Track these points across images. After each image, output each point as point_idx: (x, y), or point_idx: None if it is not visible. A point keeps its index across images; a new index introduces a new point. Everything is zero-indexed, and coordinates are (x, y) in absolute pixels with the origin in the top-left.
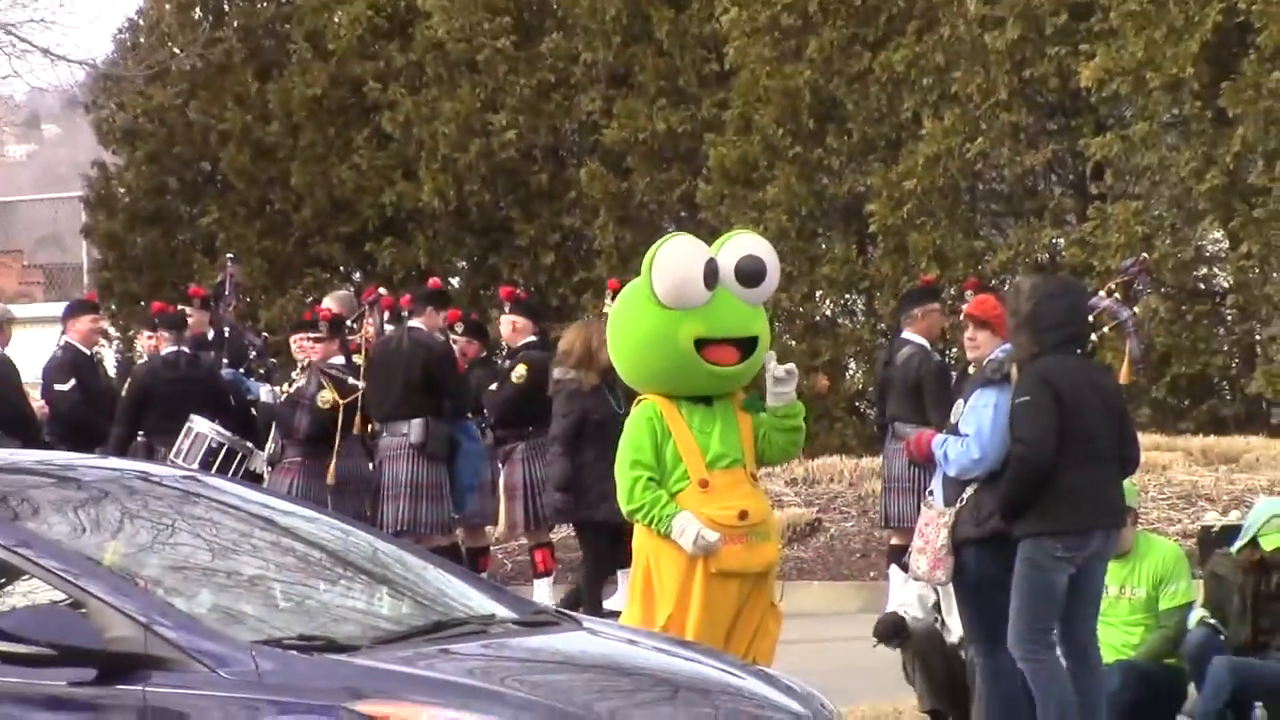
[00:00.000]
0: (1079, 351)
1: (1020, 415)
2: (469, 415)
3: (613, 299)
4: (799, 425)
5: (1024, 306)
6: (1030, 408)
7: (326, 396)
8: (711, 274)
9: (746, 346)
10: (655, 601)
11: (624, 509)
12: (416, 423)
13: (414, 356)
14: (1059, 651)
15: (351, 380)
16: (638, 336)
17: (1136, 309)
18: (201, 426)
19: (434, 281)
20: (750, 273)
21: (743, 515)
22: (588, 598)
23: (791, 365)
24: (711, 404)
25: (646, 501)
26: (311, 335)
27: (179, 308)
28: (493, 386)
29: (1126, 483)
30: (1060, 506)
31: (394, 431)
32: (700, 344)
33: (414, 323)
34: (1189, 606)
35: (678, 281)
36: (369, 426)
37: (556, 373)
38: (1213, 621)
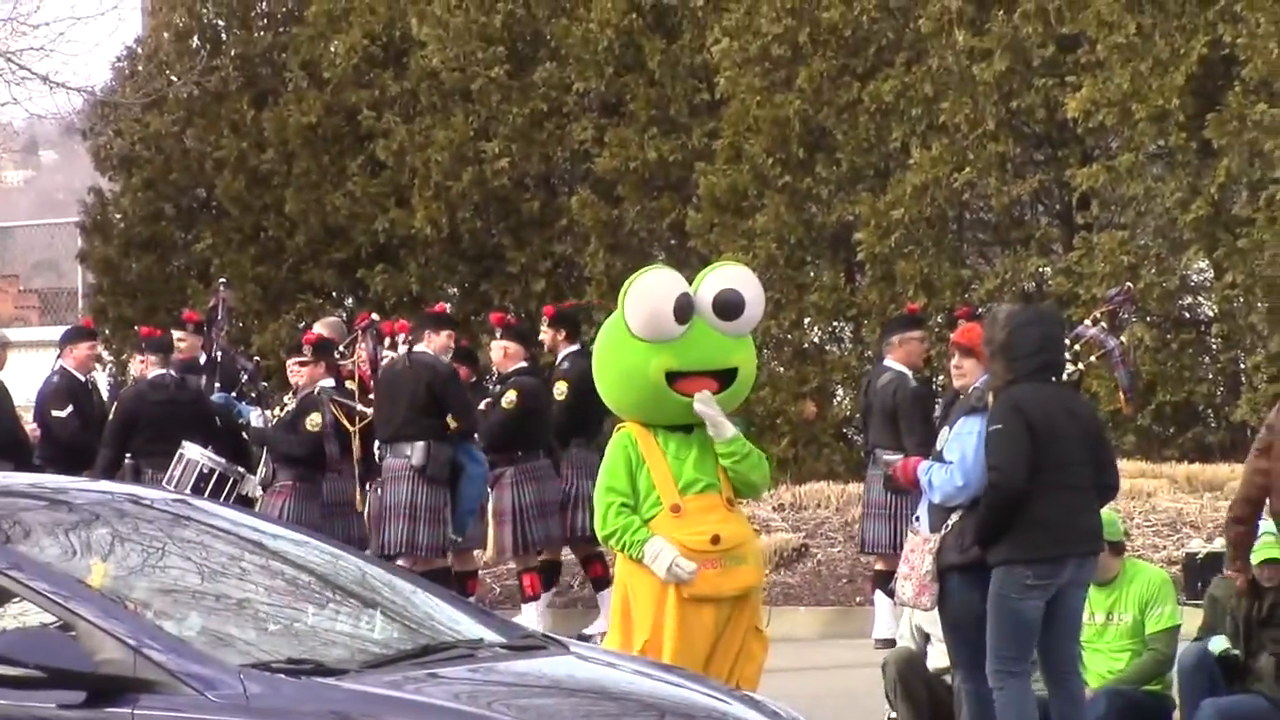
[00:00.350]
0: (1054, 379)
1: (993, 443)
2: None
3: (548, 325)
4: (733, 468)
5: (998, 335)
6: (1002, 435)
7: (316, 420)
8: (682, 309)
9: (726, 378)
10: (633, 627)
11: (599, 534)
12: (419, 445)
13: (418, 378)
14: (1035, 678)
15: (360, 407)
16: (616, 368)
17: (1122, 338)
18: (193, 453)
19: (440, 306)
20: (728, 305)
21: (715, 540)
22: None
23: (717, 415)
24: (691, 431)
25: (619, 527)
26: (298, 359)
27: (166, 331)
28: (480, 407)
29: (1110, 516)
30: (1033, 534)
31: (397, 453)
32: (673, 376)
33: (419, 346)
34: (1176, 630)
35: (649, 315)
36: (376, 451)
37: None
38: (1236, 652)
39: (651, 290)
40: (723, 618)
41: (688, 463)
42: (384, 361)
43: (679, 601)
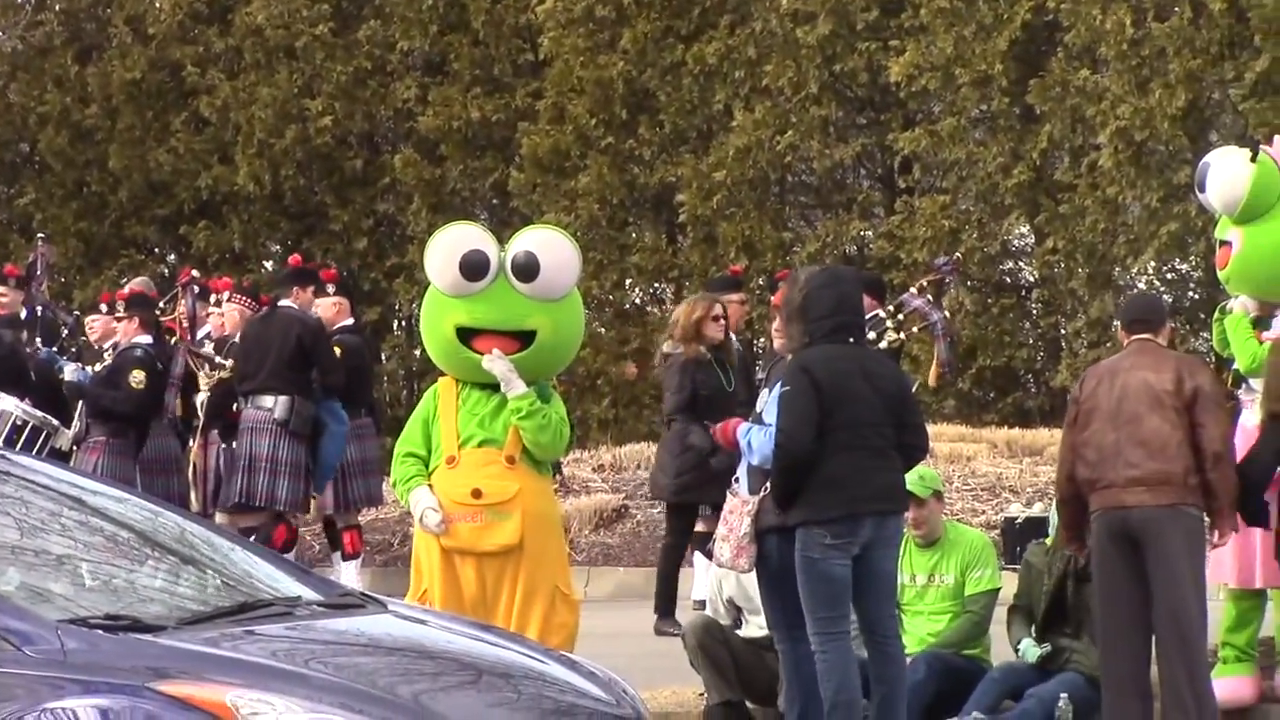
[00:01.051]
0: (851, 340)
1: (780, 404)
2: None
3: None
4: (518, 424)
5: (795, 297)
6: (789, 397)
7: (139, 377)
8: (471, 265)
9: (527, 338)
10: (421, 576)
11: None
12: (283, 399)
13: (288, 329)
14: (856, 641)
15: (220, 359)
16: (424, 320)
17: (946, 310)
18: (6, 404)
19: (295, 259)
20: (523, 268)
21: (476, 494)
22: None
23: (506, 371)
24: (498, 389)
25: (398, 475)
26: (116, 315)
27: None
28: None
29: (929, 472)
30: (826, 494)
31: (259, 405)
32: (466, 333)
33: (285, 301)
34: (994, 593)
35: (437, 270)
36: (236, 408)
37: (665, 347)
38: (1047, 647)
39: (441, 245)
40: (490, 574)
41: (476, 418)
42: (208, 317)
43: (442, 553)
